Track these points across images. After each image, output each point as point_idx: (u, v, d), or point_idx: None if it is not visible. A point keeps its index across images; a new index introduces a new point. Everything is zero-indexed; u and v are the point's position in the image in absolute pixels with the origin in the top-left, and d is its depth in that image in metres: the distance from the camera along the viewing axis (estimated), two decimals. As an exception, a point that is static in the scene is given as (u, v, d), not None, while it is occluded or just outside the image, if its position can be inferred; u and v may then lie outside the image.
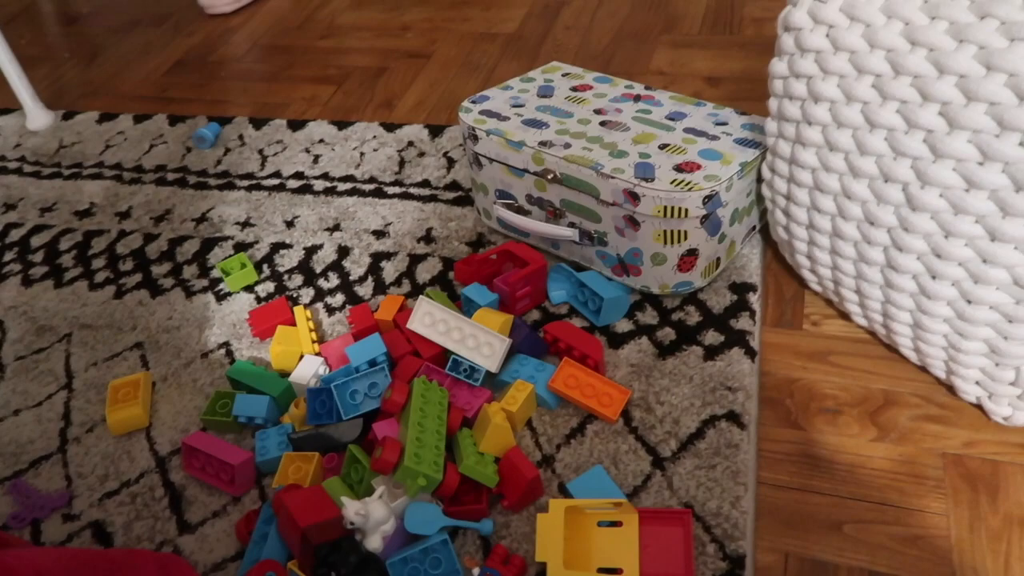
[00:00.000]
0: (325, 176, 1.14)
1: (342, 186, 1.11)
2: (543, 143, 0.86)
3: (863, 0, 0.65)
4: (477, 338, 0.78)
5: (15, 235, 1.12)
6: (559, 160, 0.84)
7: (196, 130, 1.26)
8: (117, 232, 1.10)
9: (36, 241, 1.10)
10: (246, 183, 1.15)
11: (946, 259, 0.63)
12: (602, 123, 0.89)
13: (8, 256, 1.08)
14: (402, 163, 1.14)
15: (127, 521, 0.73)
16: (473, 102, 0.95)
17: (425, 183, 1.09)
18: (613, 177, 0.80)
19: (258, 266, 1.00)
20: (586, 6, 1.51)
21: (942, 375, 0.73)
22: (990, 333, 0.64)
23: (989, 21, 0.57)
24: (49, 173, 1.24)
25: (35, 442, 0.82)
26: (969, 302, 0.64)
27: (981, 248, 0.61)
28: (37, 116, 1.36)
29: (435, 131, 1.19)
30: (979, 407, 0.72)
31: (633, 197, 0.79)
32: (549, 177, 0.85)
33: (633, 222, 0.81)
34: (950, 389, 0.74)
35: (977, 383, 0.70)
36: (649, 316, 0.84)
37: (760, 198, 0.86)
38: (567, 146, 0.85)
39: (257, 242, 1.04)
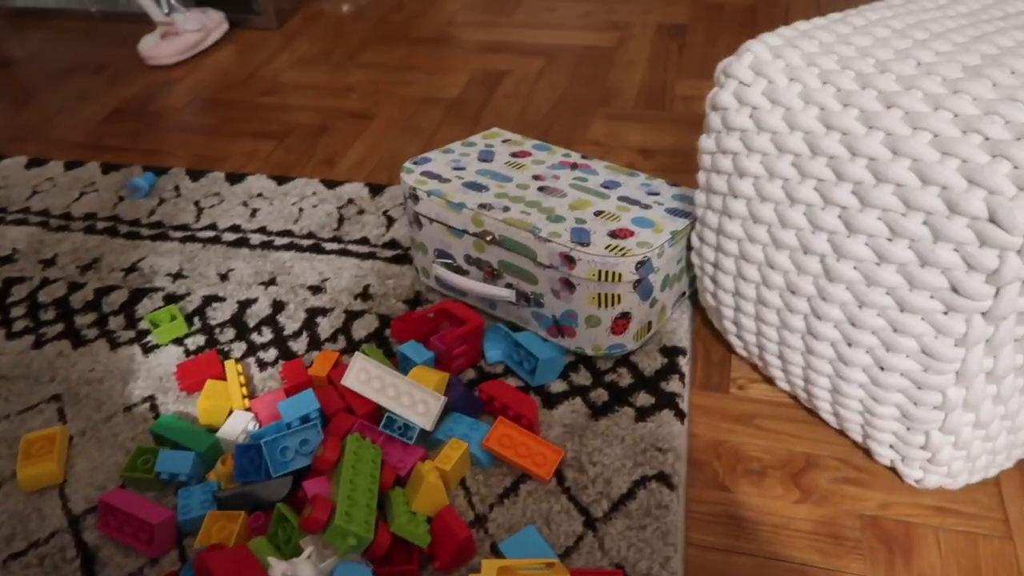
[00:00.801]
0: (262, 230, 1.13)
1: (279, 240, 1.11)
2: (483, 205, 0.88)
3: (783, 86, 0.70)
4: (412, 396, 0.78)
5: (-72, 280, 1.07)
6: (498, 223, 0.86)
7: (130, 179, 1.24)
8: (40, 280, 1.06)
9: (-49, 287, 1.06)
10: (180, 234, 1.13)
11: (860, 328, 0.67)
12: (540, 188, 0.92)
13: (-81, 301, 1.03)
14: (341, 220, 1.14)
15: (33, 584, 0.69)
16: (415, 163, 0.97)
17: (364, 240, 1.10)
18: (550, 241, 0.82)
19: (189, 319, 0.98)
20: (526, 77, 1.57)
21: (859, 439, 0.76)
22: (901, 399, 0.68)
23: (895, 111, 0.62)
24: (-30, 217, 1.20)
25: (-65, 499, 0.77)
26: (882, 369, 0.68)
27: (892, 318, 0.65)
28: (-39, 158, 1.32)
29: (375, 190, 1.21)
30: (893, 470, 0.76)
31: (569, 260, 0.81)
32: (488, 239, 0.87)
33: (569, 285, 0.83)
34: (867, 452, 0.77)
35: (891, 447, 0.73)
36: (583, 377, 0.86)
37: (690, 265, 0.90)
38: (506, 209, 0.87)
39: (189, 294, 1.02)
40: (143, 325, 0.97)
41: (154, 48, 1.72)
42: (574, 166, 0.98)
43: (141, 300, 1.01)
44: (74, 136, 1.47)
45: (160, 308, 0.99)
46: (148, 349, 0.94)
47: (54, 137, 1.47)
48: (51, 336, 0.96)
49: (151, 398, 0.87)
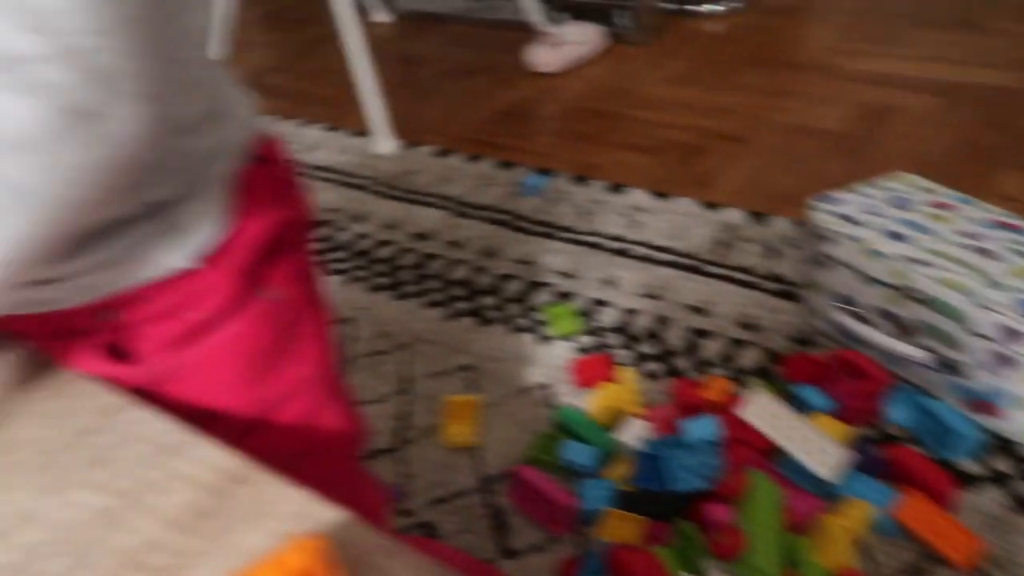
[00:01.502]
0: (644, 243, 1.18)
1: (660, 256, 1.15)
2: (906, 258, 0.83)
3: None
4: (815, 442, 0.76)
5: (363, 245, 1.27)
6: (925, 279, 0.81)
7: (523, 178, 1.36)
8: (449, 259, 1.21)
9: (380, 254, 1.24)
10: (567, 235, 1.22)
11: None
12: (971, 248, 0.85)
13: (357, 263, 1.23)
14: (722, 245, 1.15)
15: (454, 530, 0.78)
16: (824, 201, 0.95)
17: (746, 269, 1.10)
18: (991, 309, 0.75)
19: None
20: (917, 115, 1.45)
21: None
22: None
23: None
24: (393, 195, 1.40)
25: (373, 435, 0.91)
26: None
27: None
28: (386, 143, 1.54)
29: (756, 218, 1.20)
30: None
31: (1013, 335, 0.74)
32: (910, 295, 0.82)
33: (1007, 360, 0.76)
34: None
35: None
36: (1006, 464, 0.78)
37: None
38: (933, 265, 0.82)
39: (576, 294, 1.09)
40: (537, 315, 1.06)
41: (540, 56, 1.86)
42: (1009, 227, 0.89)
43: (534, 292, 1.11)
44: (468, 131, 1.64)
45: (555, 303, 1.07)
46: (543, 339, 1.02)
47: (451, 131, 1.66)
48: (460, 312, 1.09)
49: (548, 386, 0.94)
